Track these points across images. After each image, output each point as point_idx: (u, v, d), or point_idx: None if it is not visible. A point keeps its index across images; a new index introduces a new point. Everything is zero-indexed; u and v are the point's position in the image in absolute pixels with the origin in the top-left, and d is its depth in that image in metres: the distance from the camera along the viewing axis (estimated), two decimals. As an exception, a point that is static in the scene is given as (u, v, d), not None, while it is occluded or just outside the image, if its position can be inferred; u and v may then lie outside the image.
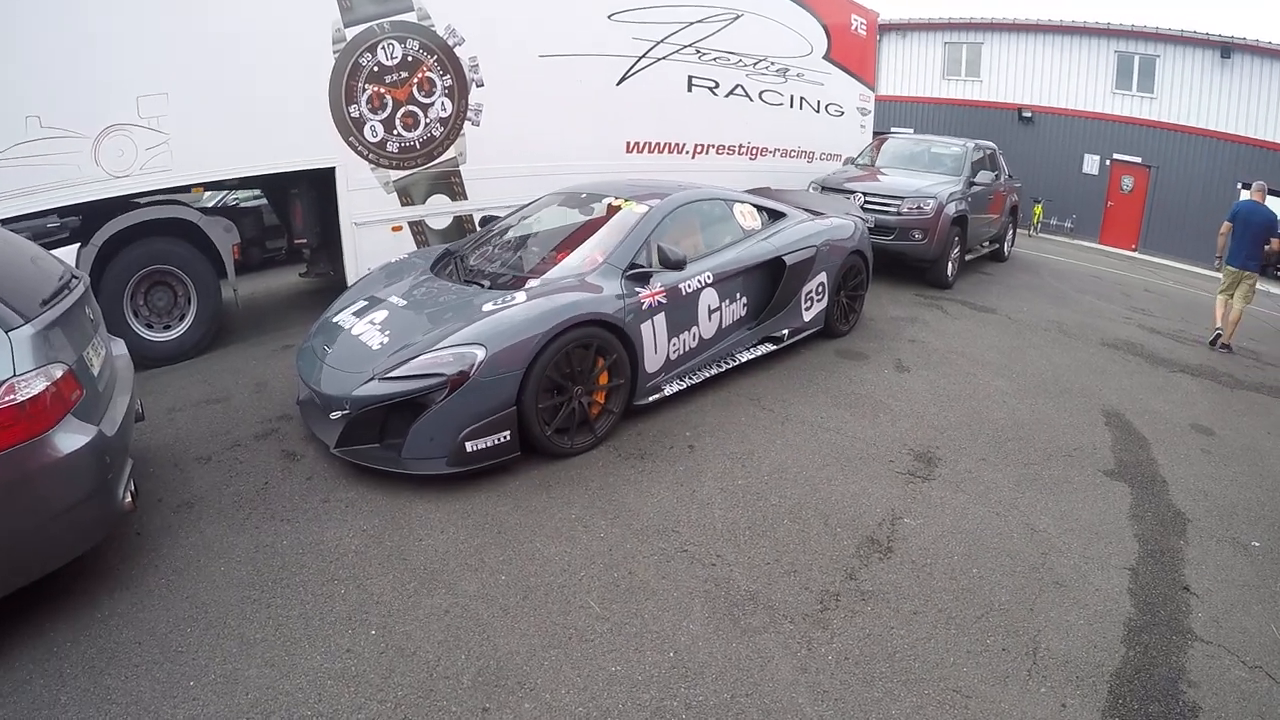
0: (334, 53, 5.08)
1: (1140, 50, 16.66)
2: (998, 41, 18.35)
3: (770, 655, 2.30)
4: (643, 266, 3.80)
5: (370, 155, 5.46)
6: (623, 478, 3.35)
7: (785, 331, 4.81)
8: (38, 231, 4.48)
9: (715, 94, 8.12)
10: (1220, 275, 6.99)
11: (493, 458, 3.16)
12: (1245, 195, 7.27)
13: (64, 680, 2.11)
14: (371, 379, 3.12)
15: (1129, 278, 11.55)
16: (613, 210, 4.23)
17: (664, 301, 3.79)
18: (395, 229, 5.81)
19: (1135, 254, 16.33)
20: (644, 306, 3.68)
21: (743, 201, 4.85)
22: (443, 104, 5.76)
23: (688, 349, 4.06)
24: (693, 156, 8.14)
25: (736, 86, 8.32)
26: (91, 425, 2.31)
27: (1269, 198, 7.04)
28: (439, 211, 6.04)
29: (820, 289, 5.06)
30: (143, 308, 4.72)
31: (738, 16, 7.97)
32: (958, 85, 19.00)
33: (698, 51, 7.71)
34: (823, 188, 7.78)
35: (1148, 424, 4.51)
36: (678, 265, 3.75)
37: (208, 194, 6.91)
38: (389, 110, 5.47)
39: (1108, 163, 17.28)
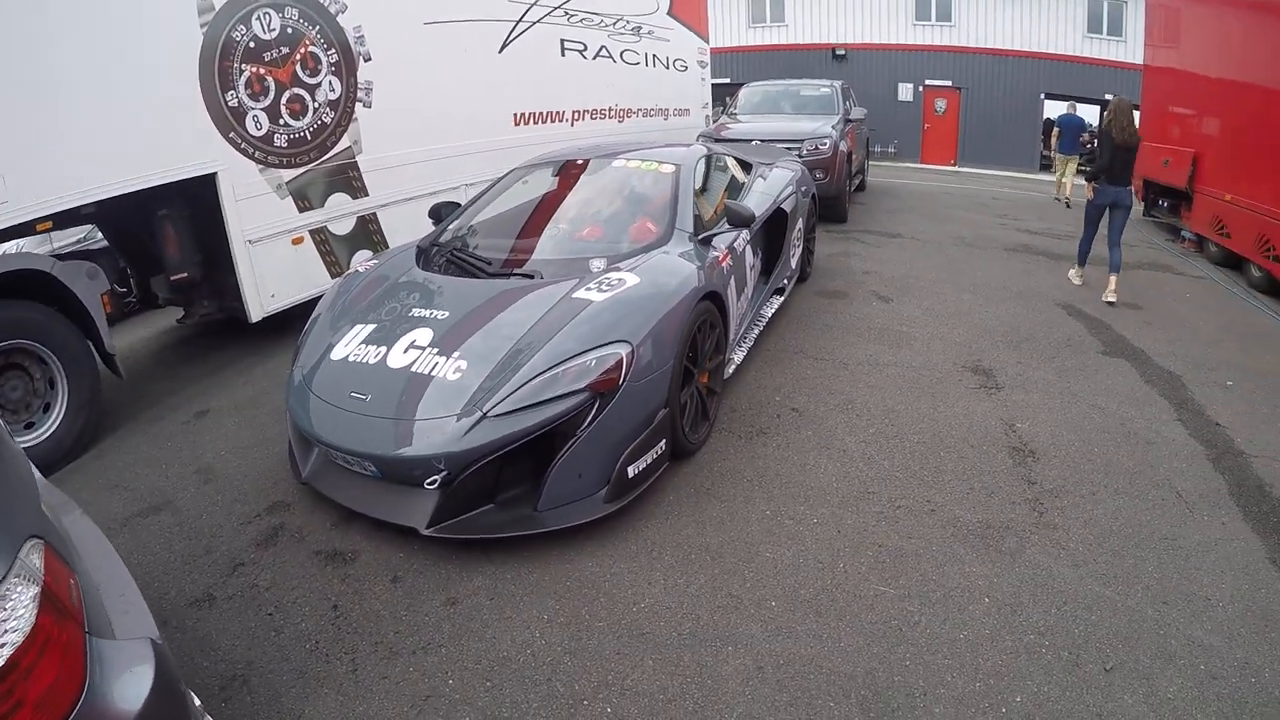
0: (201, 26, 3.87)
1: (934, -18, 18.29)
2: None
3: (1045, 565, 2.38)
4: (705, 227, 3.41)
5: (257, 153, 4.31)
6: (770, 458, 3.03)
7: (785, 281, 4.69)
8: None
9: (585, 57, 7.67)
10: (1055, 165, 11.22)
11: (652, 475, 2.64)
12: (1064, 109, 11.13)
13: None
14: (480, 419, 2.38)
15: (973, 189, 12.96)
16: (631, 173, 3.74)
17: (731, 263, 3.45)
18: (296, 241, 4.70)
19: (956, 168, 18.39)
20: (724, 270, 3.31)
21: (727, 154, 4.59)
22: (330, 84, 4.71)
23: (743, 311, 3.78)
24: (571, 124, 7.65)
25: (601, 48, 7.93)
26: (131, 639, 1.28)
27: (1079, 108, 10.99)
28: (340, 213, 4.99)
29: (799, 234, 5.01)
30: None
31: (594, -27, 7.55)
32: (765, 31, 19.83)
33: (566, 13, 7.18)
34: (714, 139, 7.71)
35: (1094, 310, 5.16)
36: (748, 221, 3.41)
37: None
38: (271, 95, 4.34)
39: (920, 89, 19.10)
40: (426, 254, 3.55)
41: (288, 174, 4.55)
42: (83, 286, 3.56)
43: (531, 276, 3.09)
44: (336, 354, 2.87)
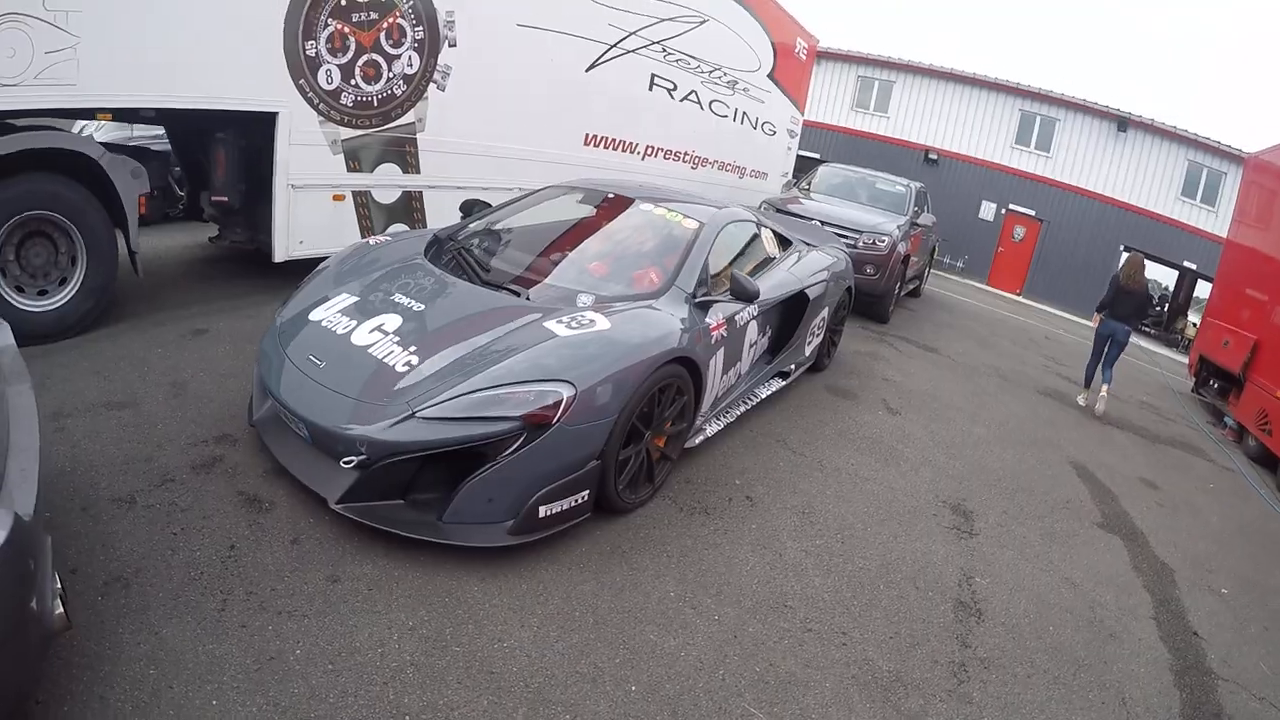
0: (298, -28, 4.06)
1: (1042, 112, 18.19)
2: (909, 82, 19.28)
3: (943, 742, 2.16)
4: (706, 293, 3.34)
5: (321, 105, 4.45)
6: (699, 539, 2.88)
7: (792, 366, 4.57)
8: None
9: (672, 96, 7.78)
10: None
11: (565, 522, 2.55)
12: None
13: None
14: (408, 416, 2.37)
15: (1028, 324, 12.60)
16: (653, 219, 3.71)
17: (725, 334, 3.36)
18: (337, 198, 4.83)
19: (1020, 298, 18.01)
20: (711, 340, 3.23)
21: (765, 225, 4.53)
22: (410, 58, 4.86)
23: (728, 386, 3.66)
24: (642, 158, 7.75)
25: (691, 92, 8.04)
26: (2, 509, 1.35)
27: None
28: (387, 183, 5.12)
29: (821, 323, 4.89)
30: (13, 264, 3.43)
31: (704, 21, 7.69)
32: (866, 118, 19.90)
33: (664, 50, 7.31)
34: (776, 209, 7.68)
35: (1107, 477, 4.89)
36: (752, 297, 3.33)
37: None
38: (350, 55, 4.49)
39: (1003, 211, 18.76)
40: (438, 245, 3.59)
41: (346, 132, 4.68)
42: (124, 181, 3.72)
43: (518, 294, 3.08)
44: (315, 314, 2.90)
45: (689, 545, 2.82)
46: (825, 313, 4.86)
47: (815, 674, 2.31)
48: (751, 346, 3.85)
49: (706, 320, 3.23)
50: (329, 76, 4.42)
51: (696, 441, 3.42)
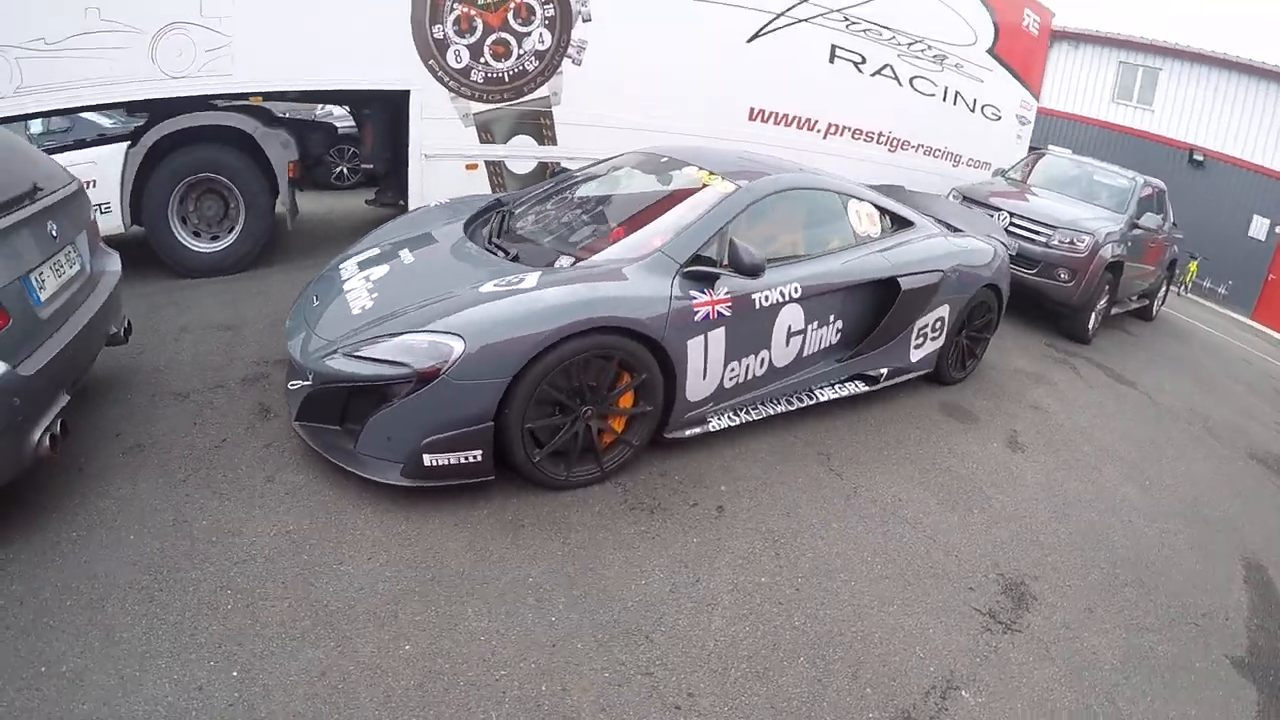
0: (422, -38, 4.52)
1: (1338, 112, 13.77)
2: (1178, 70, 15.87)
3: None
4: (709, 263, 2.99)
5: (451, 83, 4.90)
6: (617, 536, 2.62)
7: (884, 371, 3.87)
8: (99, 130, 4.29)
9: (860, 71, 6.98)
10: None
11: (456, 477, 2.54)
12: None
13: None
14: (334, 351, 2.58)
15: None
16: (691, 183, 3.42)
17: (726, 313, 2.97)
18: (470, 167, 5.29)
19: None
20: (697, 317, 2.88)
21: (862, 199, 3.88)
22: (541, 35, 5.08)
23: (751, 377, 3.24)
24: (824, 136, 7.09)
25: (885, 66, 7.13)
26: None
27: None
28: (522, 154, 5.45)
29: (939, 324, 4.07)
30: (192, 215, 4.45)
31: (894, -14, 6.77)
32: (1126, 111, 16.71)
33: (846, 19, 6.59)
34: (964, 198, 6.55)
35: None
36: (751, 271, 2.91)
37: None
38: (478, 35, 4.86)
39: (1278, 230, 14.60)
40: (493, 208, 3.75)
41: (477, 106, 5.10)
42: (275, 151, 4.55)
43: (503, 256, 3.09)
44: (343, 264, 3.27)
45: (597, 539, 2.58)
46: (944, 311, 4.03)
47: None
48: (795, 335, 3.34)
49: (695, 295, 2.88)
50: (457, 56, 4.84)
51: (685, 434, 3.10)
